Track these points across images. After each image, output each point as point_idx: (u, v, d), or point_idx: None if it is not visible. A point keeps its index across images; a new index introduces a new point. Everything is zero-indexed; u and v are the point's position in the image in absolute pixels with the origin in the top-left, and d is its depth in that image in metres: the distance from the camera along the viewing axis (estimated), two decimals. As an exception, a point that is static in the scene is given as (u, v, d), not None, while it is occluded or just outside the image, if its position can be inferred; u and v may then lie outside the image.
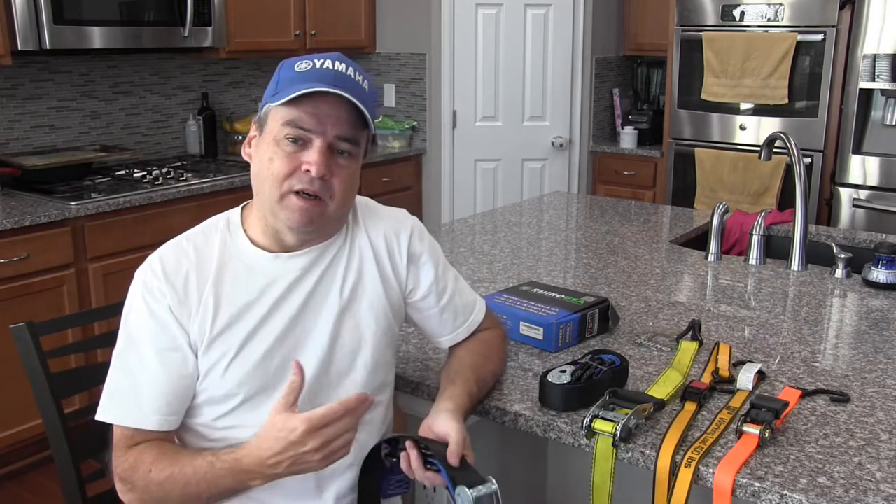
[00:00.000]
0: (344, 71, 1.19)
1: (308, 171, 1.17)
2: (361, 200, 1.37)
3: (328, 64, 1.20)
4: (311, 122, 1.16)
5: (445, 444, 1.16)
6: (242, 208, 1.30)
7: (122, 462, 1.19)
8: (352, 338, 1.28)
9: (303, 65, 1.20)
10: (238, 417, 1.23)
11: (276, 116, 1.18)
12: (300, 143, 1.17)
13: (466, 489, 1.08)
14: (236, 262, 1.24)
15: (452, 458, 1.14)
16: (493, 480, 1.10)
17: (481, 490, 1.08)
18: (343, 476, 1.28)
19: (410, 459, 1.18)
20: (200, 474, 1.14)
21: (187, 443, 1.26)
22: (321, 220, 1.22)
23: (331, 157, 1.18)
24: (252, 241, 1.26)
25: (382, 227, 1.35)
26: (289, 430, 1.08)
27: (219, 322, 1.21)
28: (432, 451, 1.16)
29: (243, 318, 1.22)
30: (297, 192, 1.18)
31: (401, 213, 1.40)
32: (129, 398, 1.20)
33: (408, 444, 1.19)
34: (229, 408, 1.22)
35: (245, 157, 1.27)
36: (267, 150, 1.19)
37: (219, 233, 1.27)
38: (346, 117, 1.18)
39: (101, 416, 1.21)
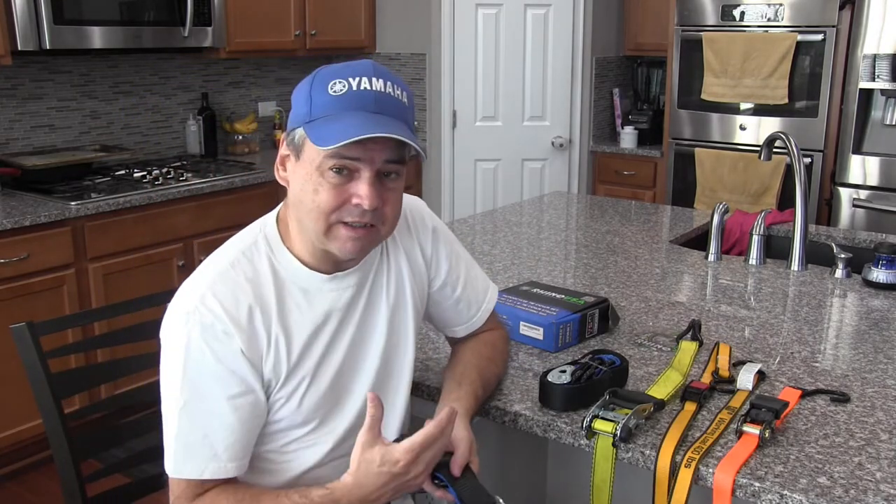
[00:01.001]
0: (382, 89, 1.11)
1: (359, 204, 1.10)
2: None
3: (365, 83, 1.10)
4: (357, 151, 1.08)
5: (450, 454, 1.16)
6: (277, 221, 1.22)
7: None
8: (399, 339, 1.29)
9: (337, 86, 1.10)
10: (308, 439, 1.22)
11: (316, 147, 1.09)
12: (346, 172, 1.10)
13: None
14: (291, 286, 1.18)
15: (455, 467, 1.14)
16: (501, 500, 1.11)
17: None
18: None
19: None
20: None
21: (253, 467, 1.22)
22: (373, 245, 1.19)
23: (380, 183, 1.12)
24: (300, 261, 1.19)
25: (409, 220, 1.34)
26: (391, 464, 1.06)
27: (293, 356, 1.17)
28: (439, 466, 1.15)
29: (313, 345, 1.19)
30: (345, 224, 1.12)
31: (415, 201, 1.39)
32: (203, 451, 1.12)
33: None
34: (305, 432, 1.21)
35: (280, 181, 1.19)
36: (309, 180, 1.11)
37: (263, 255, 1.18)
38: (393, 141, 1.10)
39: (175, 473, 1.13)
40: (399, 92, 1.14)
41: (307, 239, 1.17)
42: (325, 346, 1.20)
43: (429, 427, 1.07)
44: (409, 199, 1.37)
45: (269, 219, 1.23)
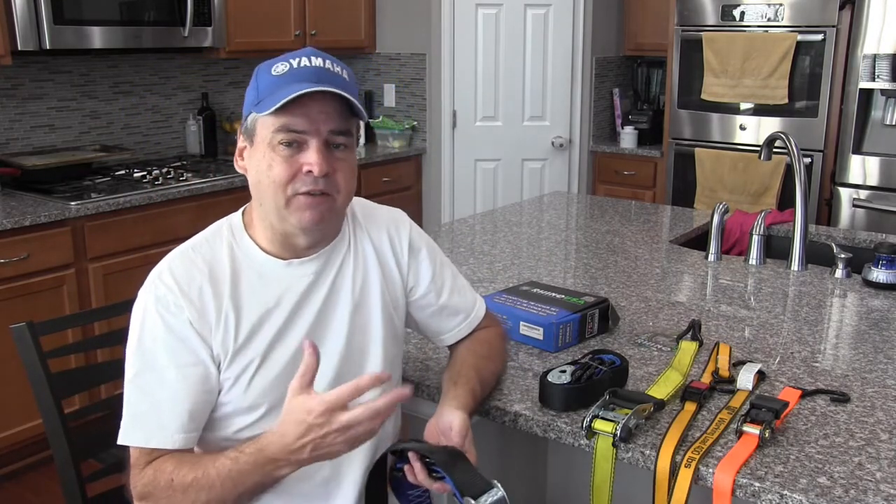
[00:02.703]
0: (322, 65, 1.18)
1: (310, 171, 1.15)
2: (358, 201, 1.37)
3: (304, 61, 1.18)
4: (303, 123, 1.15)
5: (447, 449, 1.16)
6: (243, 213, 1.28)
7: (141, 478, 1.15)
8: (363, 338, 1.29)
9: (279, 67, 1.18)
10: (261, 427, 1.21)
11: (265, 124, 1.16)
12: (295, 145, 1.16)
13: (472, 501, 1.08)
14: (248, 269, 1.22)
15: (458, 438, 1.15)
16: (499, 485, 1.11)
17: (487, 499, 1.09)
18: (354, 482, 1.28)
19: (415, 471, 1.18)
20: (225, 473, 1.11)
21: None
22: (331, 214, 1.21)
23: (329, 153, 1.17)
24: (260, 248, 1.24)
25: (384, 225, 1.36)
26: (307, 412, 1.05)
27: (241, 334, 1.19)
28: (435, 460, 1.15)
29: (263, 327, 1.20)
30: (302, 194, 1.17)
31: (397, 212, 1.41)
32: (151, 419, 1.16)
33: (411, 455, 1.18)
34: (254, 419, 1.21)
35: (239, 170, 1.25)
36: (263, 158, 1.17)
37: (224, 240, 1.24)
38: (336, 111, 1.17)
39: (123, 440, 1.17)
40: (339, 69, 1.20)
41: (268, 223, 1.22)
42: (276, 330, 1.21)
43: (347, 385, 1.06)
44: (388, 209, 1.41)
45: (237, 212, 1.29)
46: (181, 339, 1.16)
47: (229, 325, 1.18)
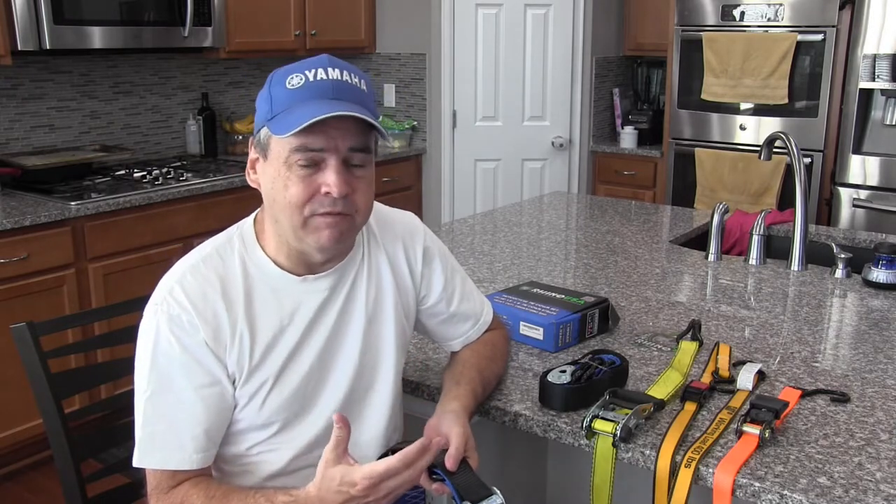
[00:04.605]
0: (340, 77, 1.13)
1: (328, 193, 1.11)
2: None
3: (321, 73, 1.12)
4: (321, 142, 1.10)
5: (447, 450, 1.16)
6: (254, 222, 1.24)
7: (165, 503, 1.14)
8: (376, 352, 1.28)
9: (294, 79, 1.12)
10: (272, 443, 1.22)
11: (281, 142, 1.11)
12: (313, 164, 1.12)
13: None
14: (261, 284, 1.19)
15: (450, 461, 1.13)
16: (499, 492, 1.11)
17: None
18: None
19: None
20: None
21: (219, 469, 1.23)
22: (350, 232, 1.18)
23: (347, 171, 1.13)
24: (273, 261, 1.20)
25: (400, 233, 1.33)
26: (350, 485, 1.04)
27: (256, 353, 1.17)
28: (437, 462, 1.15)
29: (277, 345, 1.18)
30: (319, 214, 1.13)
31: (411, 218, 1.39)
32: (169, 440, 1.14)
33: None
34: (267, 436, 1.21)
35: (252, 184, 1.21)
36: (279, 176, 1.13)
37: (235, 253, 1.20)
38: (355, 127, 1.12)
39: (140, 462, 1.15)
40: (357, 80, 1.15)
41: (283, 240, 1.18)
42: (291, 348, 1.19)
43: (394, 459, 1.05)
44: (402, 214, 1.38)
45: (247, 220, 1.25)
46: (197, 360, 1.13)
47: (244, 344, 1.16)
